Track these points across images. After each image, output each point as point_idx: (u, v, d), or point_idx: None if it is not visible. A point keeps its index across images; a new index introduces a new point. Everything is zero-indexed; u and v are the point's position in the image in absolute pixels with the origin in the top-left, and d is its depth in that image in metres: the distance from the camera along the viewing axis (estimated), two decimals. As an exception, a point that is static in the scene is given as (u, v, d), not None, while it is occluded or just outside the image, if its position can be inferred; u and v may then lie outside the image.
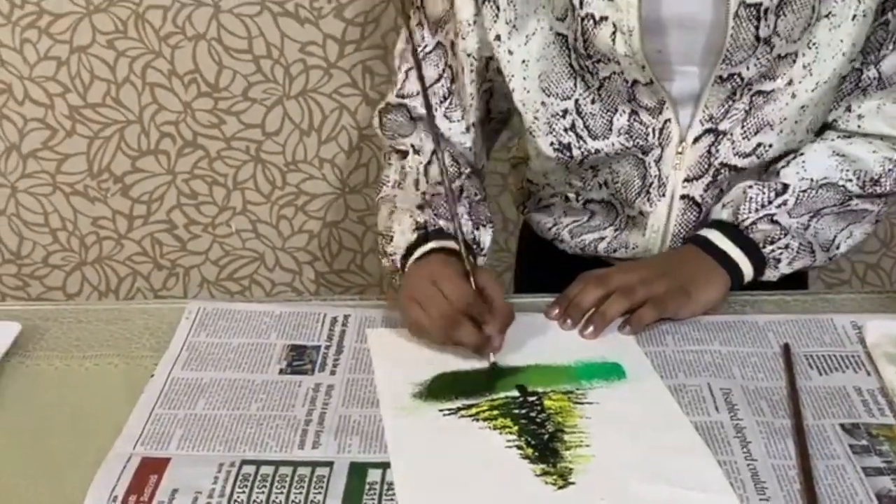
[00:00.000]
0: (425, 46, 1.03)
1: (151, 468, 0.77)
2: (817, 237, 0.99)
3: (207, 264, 1.68)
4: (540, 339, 0.92)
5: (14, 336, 0.93)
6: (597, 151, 1.00)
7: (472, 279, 0.90)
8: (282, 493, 0.74)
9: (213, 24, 1.44)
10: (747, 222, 0.98)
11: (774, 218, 0.97)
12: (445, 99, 1.03)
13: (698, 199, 1.01)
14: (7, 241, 1.64)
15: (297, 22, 1.45)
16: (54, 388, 0.88)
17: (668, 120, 0.97)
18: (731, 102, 0.96)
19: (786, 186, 0.98)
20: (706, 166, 0.99)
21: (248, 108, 1.52)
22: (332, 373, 0.88)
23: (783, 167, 1.00)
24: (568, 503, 0.73)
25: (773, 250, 0.98)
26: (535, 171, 1.09)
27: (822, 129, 1.02)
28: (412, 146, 1.04)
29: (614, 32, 0.91)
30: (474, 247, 0.97)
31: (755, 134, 0.97)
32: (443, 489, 0.75)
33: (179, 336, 0.93)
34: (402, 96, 1.05)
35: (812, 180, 0.98)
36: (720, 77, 0.93)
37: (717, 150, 0.98)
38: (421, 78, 0.99)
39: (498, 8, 0.95)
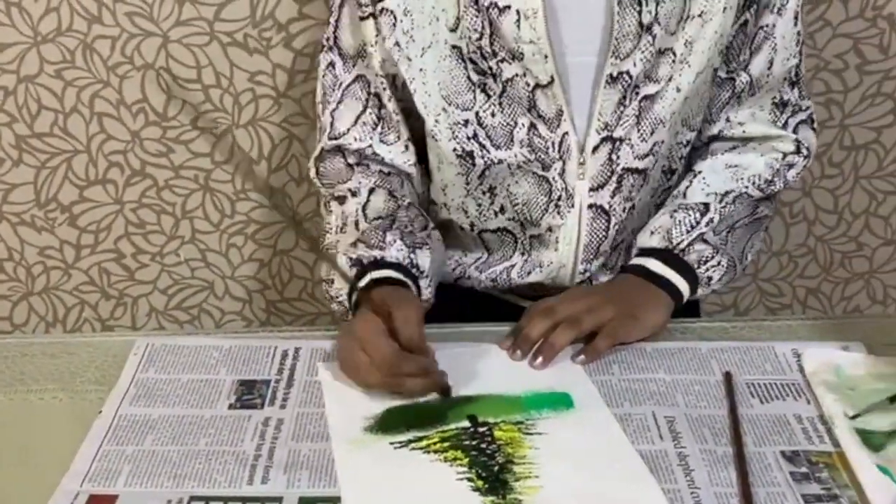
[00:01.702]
0: (341, 83, 1.04)
1: (98, 506, 0.76)
2: (734, 249, 1.05)
3: (156, 294, 1.66)
4: (491, 370, 0.93)
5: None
6: (500, 161, 1.02)
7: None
8: (231, 529, 0.74)
9: (161, 53, 1.44)
10: (682, 245, 1.02)
11: (705, 237, 1.02)
12: (377, 125, 1.05)
13: (606, 207, 1.04)
14: (-49, 272, 1.61)
15: (247, 52, 1.45)
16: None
17: (566, 133, 0.99)
18: (622, 108, 0.99)
19: (706, 206, 1.04)
20: (609, 173, 1.02)
21: (197, 137, 1.52)
22: (283, 406, 0.88)
23: (687, 187, 1.06)
24: (516, 535, 0.74)
25: (706, 270, 1.02)
26: (436, 186, 1.09)
27: (709, 142, 1.09)
28: (349, 191, 1.04)
29: (518, 19, 0.94)
30: (413, 270, 0.98)
31: (651, 134, 1.01)
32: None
33: (128, 372, 0.93)
34: (335, 137, 1.06)
35: (721, 195, 1.05)
36: (611, 76, 0.97)
37: (618, 157, 1.01)
38: None
39: (395, 17, 0.98)
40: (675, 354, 0.94)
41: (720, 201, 1.04)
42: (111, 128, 1.50)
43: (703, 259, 1.02)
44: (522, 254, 1.09)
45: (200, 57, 1.45)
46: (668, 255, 1.02)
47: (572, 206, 1.03)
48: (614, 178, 1.02)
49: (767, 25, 1.02)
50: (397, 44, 0.99)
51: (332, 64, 1.04)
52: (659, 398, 0.88)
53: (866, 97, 1.59)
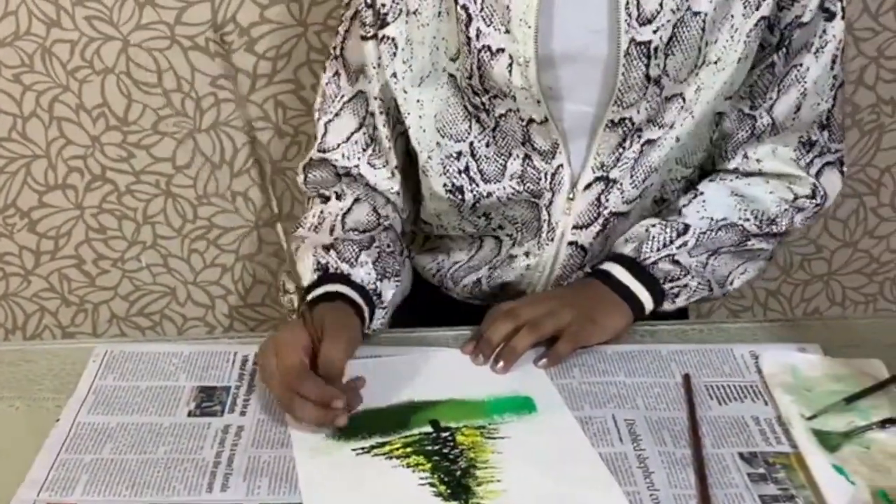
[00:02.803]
0: (342, 96, 1.02)
1: (55, 516, 0.75)
2: (714, 274, 1.03)
3: (117, 300, 1.65)
4: (454, 375, 0.93)
5: None
6: (489, 195, 1.01)
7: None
8: (190, 538, 0.73)
9: (121, 57, 1.43)
10: (649, 261, 1.00)
11: (675, 258, 1.00)
12: (367, 146, 1.03)
13: (586, 246, 1.03)
14: None
15: (208, 56, 1.44)
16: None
17: (561, 165, 0.99)
18: (621, 150, 0.98)
19: (687, 227, 1.01)
20: (595, 215, 1.01)
21: (159, 142, 1.51)
22: (243, 413, 0.88)
23: (684, 206, 1.03)
24: (477, 539, 0.74)
25: (672, 287, 1.01)
26: (429, 212, 1.09)
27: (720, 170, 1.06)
28: (335, 193, 1.03)
29: (510, 64, 0.92)
30: (373, 297, 0.97)
31: (643, 182, 1.00)
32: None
33: (86, 380, 0.92)
34: (324, 150, 1.04)
35: (712, 220, 1.01)
36: (612, 121, 0.95)
37: (608, 199, 1.00)
38: None
39: (396, 46, 0.96)
40: (636, 357, 0.95)
41: (705, 228, 1.01)
42: (71, 132, 1.49)
43: (670, 277, 1.00)
44: (491, 269, 1.09)
45: (161, 61, 1.44)
46: (633, 266, 1.01)
47: (552, 239, 1.03)
48: (600, 221, 1.01)
49: (800, 66, 0.97)
50: (395, 74, 0.97)
51: (337, 73, 1.02)
52: (619, 401, 0.89)
53: None
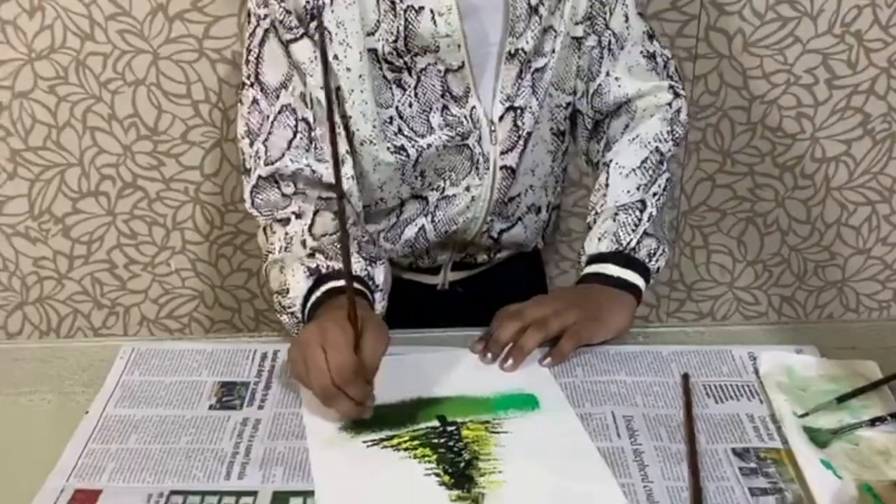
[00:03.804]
0: (267, 117, 1.05)
1: (83, 500, 0.80)
2: (664, 232, 1.14)
3: (147, 303, 1.71)
4: (461, 372, 0.98)
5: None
6: (428, 146, 1.09)
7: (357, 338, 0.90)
8: (208, 521, 0.78)
9: (152, 69, 1.49)
10: (632, 244, 1.09)
11: (647, 231, 1.11)
12: (309, 147, 1.05)
13: (513, 167, 1.13)
14: (-53, 282, 1.66)
15: (235, 67, 1.50)
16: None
17: (474, 107, 1.08)
18: (519, 81, 1.09)
19: (643, 202, 1.12)
20: (516, 138, 1.11)
21: (187, 151, 1.56)
22: (261, 407, 0.93)
23: (606, 178, 1.15)
24: (478, 526, 0.78)
25: (655, 261, 1.10)
26: (372, 186, 1.12)
27: (605, 132, 1.19)
28: (293, 213, 1.05)
29: (433, 17, 1.01)
30: (369, 282, 1.02)
31: (540, 104, 1.12)
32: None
33: (113, 375, 0.97)
34: (271, 163, 1.04)
35: (639, 171, 1.14)
36: (509, 53, 1.07)
37: (523, 123, 1.11)
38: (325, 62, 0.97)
39: (330, 32, 1.01)
40: (637, 357, 0.99)
41: (649, 188, 1.13)
42: (103, 141, 1.55)
43: (651, 252, 1.10)
44: (427, 215, 1.15)
45: (190, 73, 1.50)
46: (620, 257, 1.09)
47: (487, 168, 1.11)
48: (520, 143, 1.12)
49: None
50: (336, 56, 1.03)
51: (255, 100, 1.05)
52: (619, 399, 0.93)
53: (836, 111, 1.64)
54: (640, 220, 1.11)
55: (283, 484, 0.82)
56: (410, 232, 1.16)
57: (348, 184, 1.07)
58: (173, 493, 0.81)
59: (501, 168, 1.12)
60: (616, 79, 1.16)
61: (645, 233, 1.11)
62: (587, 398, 0.93)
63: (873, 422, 0.88)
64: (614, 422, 0.89)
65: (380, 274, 1.05)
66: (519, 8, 1.06)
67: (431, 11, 1.01)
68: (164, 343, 1.03)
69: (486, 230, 1.17)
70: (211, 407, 0.93)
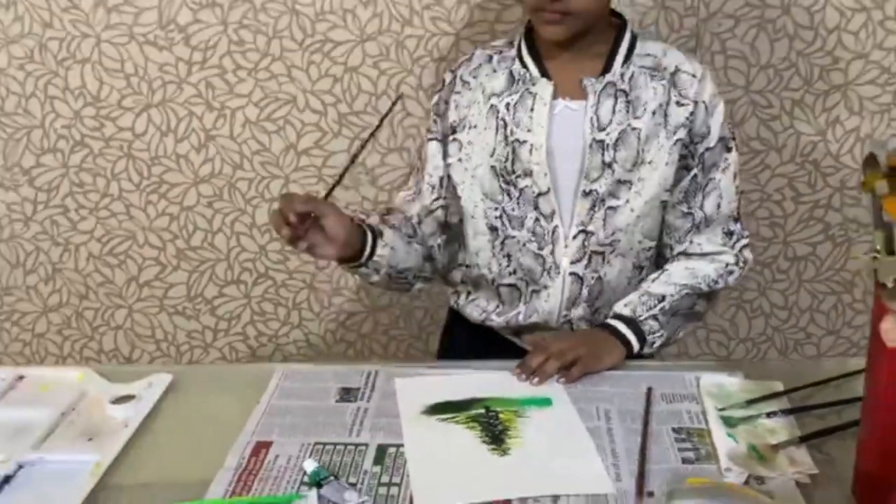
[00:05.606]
0: (417, 168, 1.67)
1: (262, 446, 1.31)
2: (671, 330, 1.58)
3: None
4: (503, 384, 1.45)
5: (166, 384, 1.48)
6: (513, 237, 1.59)
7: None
8: (339, 459, 1.27)
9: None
10: (642, 317, 1.54)
11: (657, 317, 1.54)
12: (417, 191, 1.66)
13: (580, 274, 1.59)
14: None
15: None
16: (201, 411, 1.43)
17: (557, 226, 1.56)
18: (592, 213, 1.54)
19: (663, 297, 1.56)
20: (583, 254, 1.57)
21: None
22: (368, 400, 1.42)
23: (655, 278, 1.58)
24: (505, 465, 1.26)
25: (652, 337, 1.54)
26: (470, 251, 1.65)
27: (673, 256, 1.62)
28: (406, 199, 1.67)
29: (530, 149, 1.51)
30: (377, 231, 1.52)
31: (612, 234, 1.56)
32: (435, 460, 1.27)
33: (273, 383, 1.48)
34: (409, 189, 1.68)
35: (676, 285, 1.56)
36: (584, 191, 1.52)
37: (588, 244, 1.56)
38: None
39: (461, 144, 1.58)
40: (618, 377, 1.46)
41: (674, 293, 1.56)
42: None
43: (652, 330, 1.54)
44: (525, 303, 1.64)
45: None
46: (630, 322, 1.55)
47: (558, 273, 1.59)
48: (586, 257, 1.58)
49: (714, 179, 1.55)
50: (460, 160, 1.58)
51: (434, 153, 1.65)
52: (602, 399, 1.39)
53: (801, 220, 2.07)
54: (655, 306, 1.54)
55: (382, 440, 1.31)
56: (511, 312, 1.66)
57: (421, 217, 1.64)
58: (317, 443, 1.31)
59: (570, 275, 1.58)
60: (699, 244, 1.57)
61: (654, 317, 1.53)
62: (582, 399, 1.40)
63: (769, 415, 1.33)
64: (597, 412, 1.36)
65: (388, 233, 1.55)
66: (594, 161, 1.49)
67: (530, 146, 1.51)
68: (304, 365, 1.54)
69: (564, 323, 1.63)
70: (336, 401, 1.42)
